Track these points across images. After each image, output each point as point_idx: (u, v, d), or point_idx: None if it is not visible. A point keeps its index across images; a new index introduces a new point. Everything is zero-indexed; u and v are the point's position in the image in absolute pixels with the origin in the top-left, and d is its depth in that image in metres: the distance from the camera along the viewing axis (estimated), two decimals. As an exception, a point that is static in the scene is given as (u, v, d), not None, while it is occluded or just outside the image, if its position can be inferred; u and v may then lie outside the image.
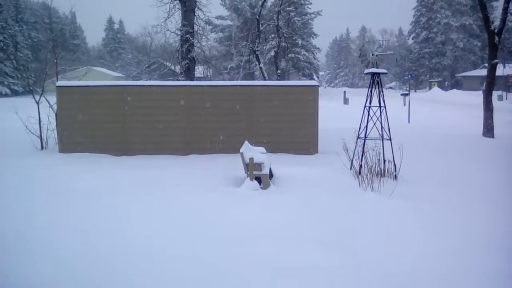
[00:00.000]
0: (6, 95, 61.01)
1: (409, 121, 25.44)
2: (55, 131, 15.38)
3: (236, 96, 14.60)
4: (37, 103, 16.06)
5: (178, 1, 24.44)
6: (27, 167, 12.35)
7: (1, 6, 64.75)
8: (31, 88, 16.96)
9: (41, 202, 8.94)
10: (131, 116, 14.51)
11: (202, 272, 5.72)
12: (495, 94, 23.07)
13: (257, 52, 40.28)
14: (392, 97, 38.76)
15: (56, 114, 15.34)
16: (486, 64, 21.47)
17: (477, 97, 29.61)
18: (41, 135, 15.61)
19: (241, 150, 10.11)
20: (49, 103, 16.18)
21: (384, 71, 11.35)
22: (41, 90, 16.44)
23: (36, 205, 8.72)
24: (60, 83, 15.11)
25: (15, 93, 61.44)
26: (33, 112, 15.89)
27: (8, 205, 8.76)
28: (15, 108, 16.42)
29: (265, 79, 39.03)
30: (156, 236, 6.97)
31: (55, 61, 17.27)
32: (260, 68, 40.46)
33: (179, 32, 25.29)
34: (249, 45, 42.37)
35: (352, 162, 10.93)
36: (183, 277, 5.59)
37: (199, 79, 38.54)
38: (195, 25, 24.83)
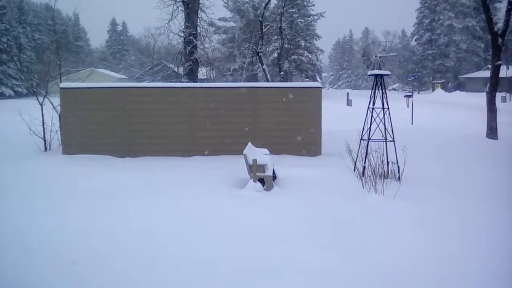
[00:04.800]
0: (9, 96, 61.17)
1: (412, 123, 25.40)
2: (59, 132, 15.42)
3: (239, 98, 14.60)
4: (41, 104, 16.10)
5: (181, 3, 24.43)
6: (30, 169, 12.38)
7: (5, 8, 64.95)
8: (34, 89, 16.97)
9: (44, 203, 8.97)
10: (134, 117, 14.53)
11: (204, 273, 5.72)
12: (498, 95, 23.05)
13: (260, 54, 40.25)
14: (395, 99, 38.72)
15: (59, 116, 15.37)
16: (490, 66, 21.40)
17: (481, 98, 29.57)
18: (44, 137, 15.64)
19: (244, 152, 10.11)
20: (52, 105, 16.21)
21: (388, 72, 11.33)
22: (44, 92, 16.47)
23: (39, 206, 8.75)
24: (63, 84, 15.13)
25: (18, 95, 61.58)
26: (37, 113, 15.93)
27: (12, 206, 8.78)
28: (18, 109, 16.45)
29: (268, 81, 38.96)
30: (158, 238, 6.97)
31: (59, 62, 17.29)
32: (263, 69, 40.43)
33: (182, 34, 25.27)
34: (252, 46, 42.38)
35: (355, 164, 10.91)
36: (185, 278, 5.60)
37: (202, 80, 38.58)
38: (198, 26, 24.80)
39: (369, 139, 10.88)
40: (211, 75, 53.76)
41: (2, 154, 14.58)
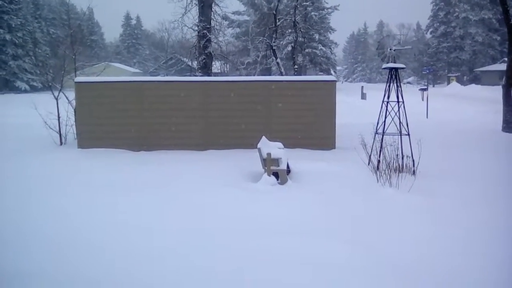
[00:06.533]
0: (25, 91, 61.65)
1: (427, 116, 25.22)
2: (74, 126, 15.52)
3: (253, 92, 14.59)
4: (56, 99, 16.21)
5: (195, -3, 24.50)
6: (46, 163, 12.49)
7: (20, 3, 65.35)
8: (50, 84, 17.09)
9: (59, 196, 9.04)
10: (149, 111, 14.58)
11: (217, 267, 5.73)
12: (515, 88, 22.77)
13: (274, 47, 40.21)
14: (410, 92, 38.46)
15: (74, 110, 15.47)
16: (506, 59, 21.18)
17: (496, 92, 29.25)
18: (60, 131, 15.75)
19: (258, 145, 10.12)
20: (67, 99, 16.32)
21: (402, 66, 11.27)
22: (59, 86, 16.57)
23: (54, 199, 8.82)
24: (78, 79, 15.23)
25: (34, 89, 61.99)
26: (52, 108, 16.04)
27: (28, 200, 8.86)
28: (34, 104, 16.58)
29: (282, 75, 38.91)
30: (172, 232, 7.00)
31: (74, 57, 17.38)
32: (277, 63, 40.40)
33: (196, 28, 25.32)
34: (266, 40, 42.26)
35: (370, 158, 10.88)
36: (197, 272, 5.61)
37: (216, 74, 38.61)
38: (212, 20, 24.86)
39: (383, 132, 10.84)
40: (225, 69, 53.74)
41: (19, 148, 14.71)
